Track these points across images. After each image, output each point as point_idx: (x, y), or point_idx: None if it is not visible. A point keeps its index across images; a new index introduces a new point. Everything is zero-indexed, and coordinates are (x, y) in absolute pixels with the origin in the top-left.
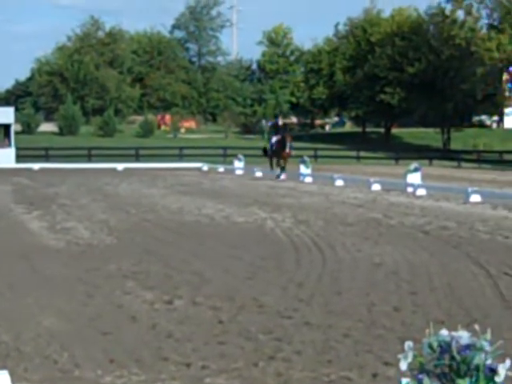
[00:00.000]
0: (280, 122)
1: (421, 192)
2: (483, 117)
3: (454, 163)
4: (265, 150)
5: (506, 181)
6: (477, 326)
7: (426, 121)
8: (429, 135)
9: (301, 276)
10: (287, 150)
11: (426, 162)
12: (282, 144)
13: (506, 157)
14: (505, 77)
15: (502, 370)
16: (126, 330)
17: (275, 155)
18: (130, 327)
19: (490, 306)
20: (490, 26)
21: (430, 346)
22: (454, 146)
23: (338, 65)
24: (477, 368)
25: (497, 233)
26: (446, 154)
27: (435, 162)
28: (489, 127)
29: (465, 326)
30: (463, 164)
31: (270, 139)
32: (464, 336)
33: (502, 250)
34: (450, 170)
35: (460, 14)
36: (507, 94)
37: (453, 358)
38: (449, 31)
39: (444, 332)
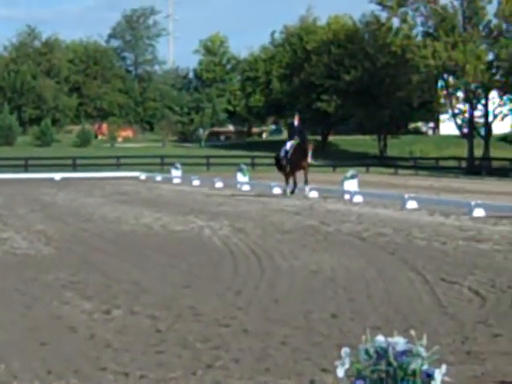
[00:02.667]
0: (296, 122)
1: (358, 199)
2: (419, 124)
3: (391, 170)
4: (277, 160)
5: (443, 187)
6: (413, 332)
7: (362, 128)
8: (365, 142)
9: (238, 284)
10: (308, 160)
11: (363, 169)
12: (300, 151)
13: (442, 163)
14: (440, 84)
15: (438, 376)
16: (65, 341)
17: (291, 166)
18: (68, 337)
19: (426, 312)
20: (425, 34)
21: (367, 352)
22: (390, 152)
23: (274, 73)
24: (413, 373)
25: (433, 239)
26: (383, 160)
27: (372, 169)
28: (425, 134)
29: (402, 332)
30: (400, 171)
31: (283, 145)
32: (400, 342)
33: (438, 256)
34: (387, 177)
35: (395, 22)
36: (442, 101)
37: (389, 363)
38: (384, 39)
39: (380, 338)
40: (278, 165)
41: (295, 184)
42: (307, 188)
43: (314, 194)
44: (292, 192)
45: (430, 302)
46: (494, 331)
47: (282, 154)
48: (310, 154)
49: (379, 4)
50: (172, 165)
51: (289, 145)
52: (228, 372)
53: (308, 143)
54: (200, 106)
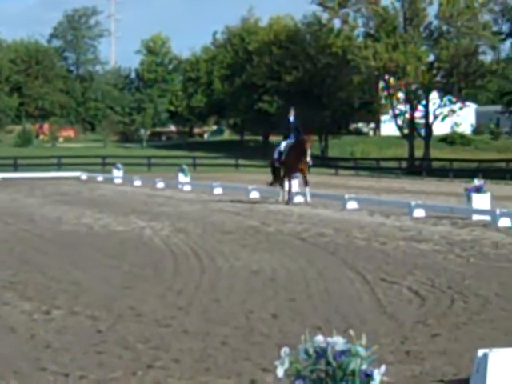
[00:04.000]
0: (292, 118)
1: (299, 199)
2: (360, 124)
3: (332, 170)
4: (272, 165)
5: (383, 187)
6: (352, 332)
7: (304, 128)
8: None
9: (179, 284)
10: (308, 160)
11: None
12: (297, 151)
13: (383, 164)
14: (381, 85)
15: (377, 375)
16: (4, 341)
17: (286, 169)
18: (8, 338)
19: (366, 312)
20: (366, 35)
21: (307, 352)
22: (331, 153)
23: (216, 73)
24: (352, 373)
25: (373, 239)
26: (324, 161)
27: (313, 169)
28: (366, 135)
29: (341, 332)
30: (341, 171)
31: (277, 145)
32: (339, 342)
33: (378, 257)
34: (328, 177)
35: (336, 23)
36: (383, 101)
37: (329, 363)
38: (325, 40)
39: (320, 338)
40: (273, 170)
41: (290, 192)
42: (308, 192)
43: (255, 195)
44: (288, 202)
45: (369, 302)
46: (432, 331)
47: (276, 156)
48: (308, 154)
49: (320, 5)
50: (113, 165)
51: (283, 145)
52: (168, 372)
53: (306, 141)
54: (142, 106)
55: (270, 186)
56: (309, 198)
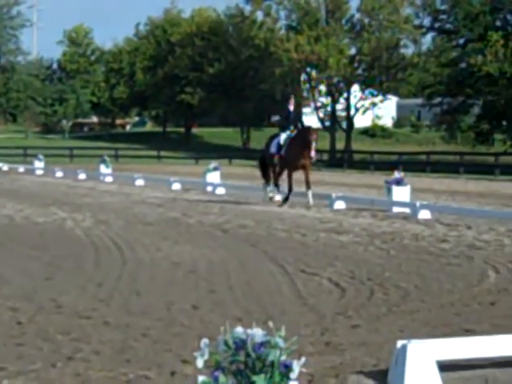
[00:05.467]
0: (292, 108)
1: (220, 191)
2: None
3: (254, 162)
4: (262, 160)
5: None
6: (271, 324)
7: (226, 120)
8: (229, 135)
9: (100, 276)
10: (312, 155)
11: (226, 161)
12: (300, 145)
13: None
14: (303, 77)
15: (296, 367)
16: None
17: (287, 165)
18: None
19: (286, 303)
20: (289, 27)
21: (226, 344)
22: (253, 145)
23: (138, 64)
24: (272, 364)
25: (294, 231)
26: (246, 153)
27: (235, 161)
28: None
29: (262, 324)
30: None
31: (273, 137)
32: (259, 333)
33: (298, 248)
34: (250, 169)
35: (259, 15)
36: (305, 94)
37: (248, 355)
38: (248, 32)
39: (239, 330)
40: (263, 165)
41: (291, 189)
42: (310, 194)
43: (176, 186)
44: (286, 200)
45: (290, 294)
46: (352, 322)
47: (273, 149)
48: (313, 148)
49: None
50: (35, 156)
51: (283, 137)
52: (88, 364)
53: (311, 132)
54: (64, 97)
55: (266, 184)
56: (311, 201)
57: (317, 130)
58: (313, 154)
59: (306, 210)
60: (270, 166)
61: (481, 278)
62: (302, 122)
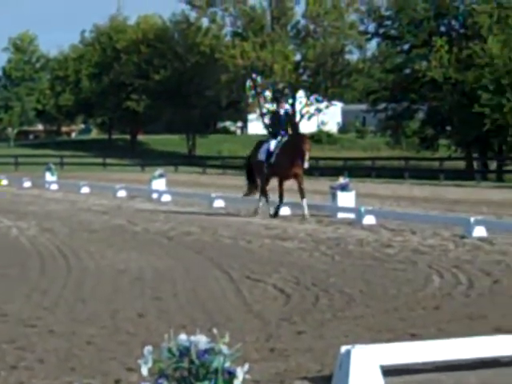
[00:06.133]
0: (282, 111)
1: (166, 198)
2: (228, 123)
3: (199, 169)
4: (249, 167)
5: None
6: (215, 330)
7: (172, 127)
8: (175, 141)
9: (45, 284)
10: (305, 165)
11: (172, 168)
12: (292, 152)
13: None
14: (248, 84)
15: (240, 373)
16: None
17: (278, 173)
18: None
19: (232, 310)
20: (234, 34)
21: (170, 351)
22: (199, 152)
23: (84, 72)
24: (215, 371)
25: (239, 237)
26: (192, 160)
27: (181, 168)
28: (233, 133)
29: (206, 331)
30: (208, 170)
31: (261, 143)
32: (202, 341)
33: (244, 255)
34: (195, 176)
35: (204, 22)
36: (250, 100)
37: (192, 362)
38: (193, 38)
39: (183, 337)
40: (251, 173)
41: (281, 199)
42: (305, 203)
43: (122, 194)
44: (276, 213)
45: (235, 300)
46: (297, 328)
47: (262, 156)
48: (307, 156)
49: (189, 3)
50: None
51: (273, 143)
52: (33, 372)
53: (304, 140)
54: (9, 104)
55: (246, 196)
56: (306, 212)
57: (308, 137)
58: (306, 164)
59: (302, 221)
60: (258, 174)
61: (425, 282)
62: (295, 128)
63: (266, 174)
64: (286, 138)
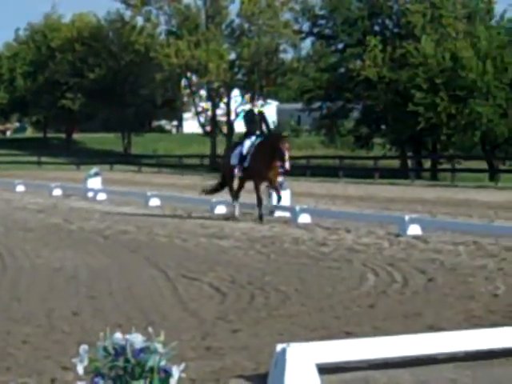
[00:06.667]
0: (256, 110)
1: (101, 197)
2: (163, 122)
3: (135, 168)
4: (225, 170)
5: (186, 184)
6: (151, 329)
7: (107, 126)
8: (110, 140)
9: None
10: (286, 166)
11: (107, 166)
12: (268, 153)
13: (186, 161)
14: (183, 82)
15: (175, 372)
16: None
17: (253, 176)
18: None
19: (167, 309)
20: (169, 32)
21: (105, 350)
22: (134, 150)
23: (18, 70)
24: (151, 370)
25: (175, 236)
26: (127, 158)
27: (116, 166)
28: (168, 132)
29: (142, 329)
30: (144, 168)
31: (234, 146)
32: (138, 339)
33: (180, 253)
34: (131, 175)
35: (139, 20)
36: (186, 99)
37: (127, 360)
38: (128, 37)
39: (118, 336)
40: (224, 179)
41: (260, 202)
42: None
43: (57, 192)
44: (261, 217)
45: (171, 299)
46: (233, 327)
47: (234, 161)
48: (287, 157)
49: (123, 2)
50: None
51: (247, 145)
52: None
53: (281, 139)
54: None
55: (208, 194)
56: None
57: (286, 137)
58: (287, 165)
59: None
60: (228, 179)
61: (360, 281)
62: (268, 128)
63: (241, 177)
64: (259, 139)
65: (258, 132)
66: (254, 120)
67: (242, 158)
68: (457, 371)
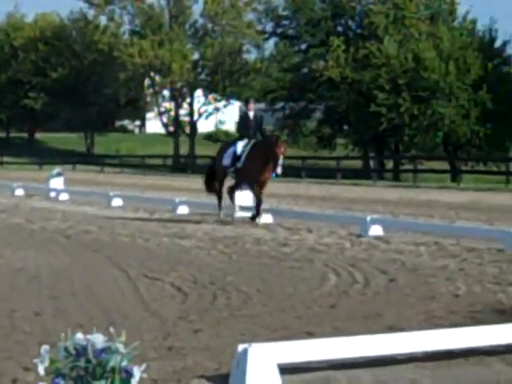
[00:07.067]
0: (251, 111)
1: (64, 197)
2: (126, 121)
3: (98, 168)
4: (209, 175)
5: (148, 185)
6: (112, 329)
7: (70, 125)
8: (73, 140)
9: None
10: (278, 171)
11: (70, 166)
12: (262, 156)
13: (149, 161)
14: (146, 82)
15: (137, 372)
16: None
17: (247, 179)
18: None
19: (129, 309)
20: (132, 32)
21: (66, 350)
22: (97, 150)
23: None
24: (112, 370)
25: (137, 236)
26: (90, 158)
27: (79, 166)
28: (131, 132)
29: (103, 329)
30: (106, 168)
31: (226, 147)
32: (99, 339)
33: (141, 253)
34: (93, 175)
35: (103, 20)
36: (149, 99)
37: (88, 361)
38: (91, 36)
39: (80, 336)
40: (210, 179)
41: (260, 202)
42: (260, 214)
43: (20, 192)
44: (254, 217)
45: (133, 299)
46: (195, 327)
47: (227, 161)
48: (280, 161)
49: (86, 2)
50: None
51: (240, 146)
52: None
53: (278, 143)
54: None
55: (220, 203)
56: (260, 221)
57: (283, 140)
58: (279, 170)
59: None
60: (221, 181)
61: (321, 281)
62: (262, 130)
63: (235, 179)
64: (253, 141)
65: (251, 133)
66: (247, 122)
67: (236, 158)
68: (417, 371)
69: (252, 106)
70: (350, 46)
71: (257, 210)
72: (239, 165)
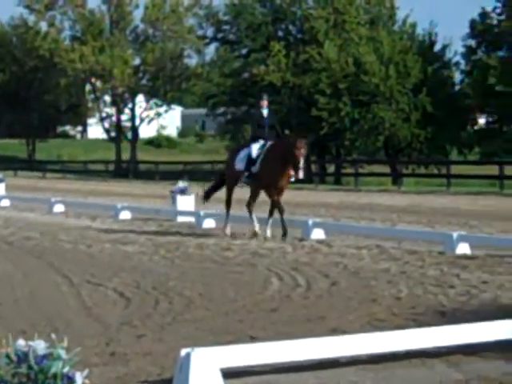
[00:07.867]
0: (265, 110)
1: (5, 203)
2: (67, 127)
3: (39, 174)
4: (220, 183)
5: (90, 190)
6: (54, 335)
7: (12, 131)
8: (15, 146)
9: None
10: (300, 176)
11: (11, 172)
12: (283, 159)
13: (90, 166)
14: (88, 88)
15: (79, 378)
16: None
17: (265, 184)
18: None
19: (72, 315)
20: (73, 38)
21: (8, 357)
22: (39, 156)
23: None
24: (54, 376)
25: (80, 242)
26: (31, 164)
27: (20, 172)
28: (73, 137)
29: (46, 336)
30: (48, 174)
31: (239, 149)
32: (40, 346)
33: (84, 259)
34: (35, 181)
35: (43, 26)
36: (90, 104)
37: (30, 367)
38: (32, 42)
39: (21, 342)
40: (214, 189)
41: (282, 211)
42: (270, 224)
43: None
44: (285, 234)
45: (75, 305)
46: (137, 332)
47: (240, 165)
48: (301, 164)
49: (27, 7)
50: None
51: (255, 148)
52: None
53: (299, 144)
54: None
55: (207, 198)
56: (268, 233)
57: (305, 141)
58: (300, 174)
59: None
60: (231, 188)
61: (264, 285)
62: (278, 132)
63: (251, 186)
64: (270, 142)
65: (266, 136)
66: (262, 123)
67: (250, 162)
68: (360, 373)
69: (265, 102)
70: (290, 50)
71: (282, 225)
72: (254, 169)
